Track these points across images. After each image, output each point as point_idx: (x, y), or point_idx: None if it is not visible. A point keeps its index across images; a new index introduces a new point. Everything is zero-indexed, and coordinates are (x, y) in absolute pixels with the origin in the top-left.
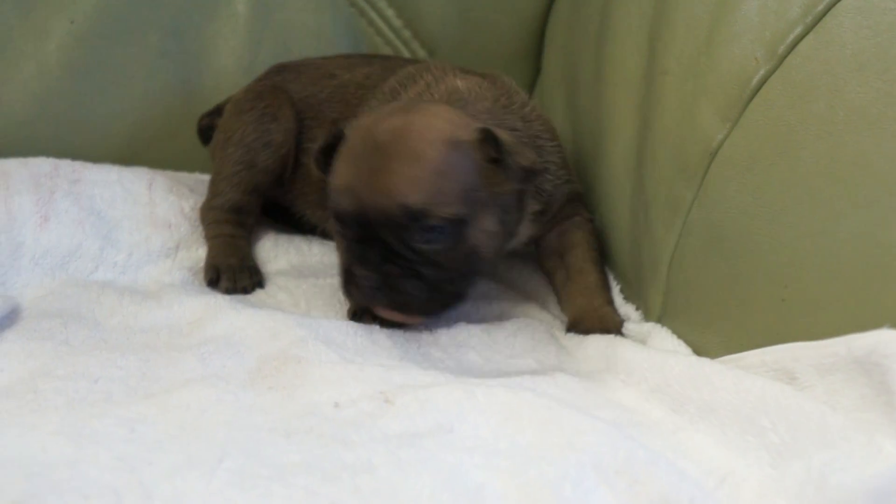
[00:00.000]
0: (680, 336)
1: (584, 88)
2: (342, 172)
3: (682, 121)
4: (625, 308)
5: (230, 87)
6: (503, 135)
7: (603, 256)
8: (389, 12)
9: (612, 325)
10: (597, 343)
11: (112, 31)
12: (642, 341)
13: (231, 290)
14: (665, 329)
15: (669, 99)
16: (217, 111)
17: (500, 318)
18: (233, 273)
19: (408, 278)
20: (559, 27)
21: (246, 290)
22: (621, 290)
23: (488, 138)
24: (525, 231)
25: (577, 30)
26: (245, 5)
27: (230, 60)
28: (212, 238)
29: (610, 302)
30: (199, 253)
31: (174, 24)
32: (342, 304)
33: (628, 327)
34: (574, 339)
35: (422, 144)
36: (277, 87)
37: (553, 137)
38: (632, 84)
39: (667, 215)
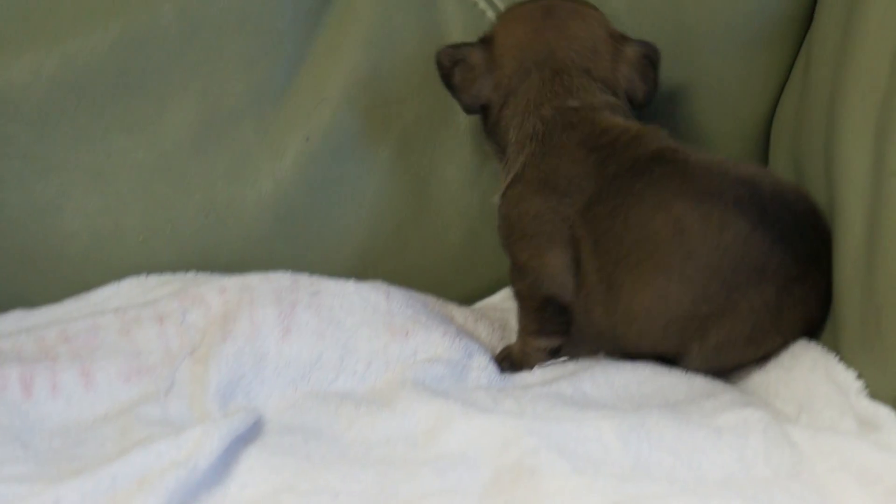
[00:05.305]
0: None
1: (810, 190)
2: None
3: None
4: (844, 375)
5: (456, 199)
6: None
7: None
8: None
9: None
10: (831, 439)
11: (345, 147)
12: (868, 422)
13: None
14: None
15: None
16: None
17: (726, 412)
18: None
19: None
20: (784, 129)
21: None
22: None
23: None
24: None
25: (802, 132)
26: (469, 117)
27: (457, 172)
28: None
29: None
30: (436, 351)
31: (403, 137)
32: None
33: (849, 401)
34: (806, 434)
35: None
36: None
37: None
38: (859, 186)
39: None
